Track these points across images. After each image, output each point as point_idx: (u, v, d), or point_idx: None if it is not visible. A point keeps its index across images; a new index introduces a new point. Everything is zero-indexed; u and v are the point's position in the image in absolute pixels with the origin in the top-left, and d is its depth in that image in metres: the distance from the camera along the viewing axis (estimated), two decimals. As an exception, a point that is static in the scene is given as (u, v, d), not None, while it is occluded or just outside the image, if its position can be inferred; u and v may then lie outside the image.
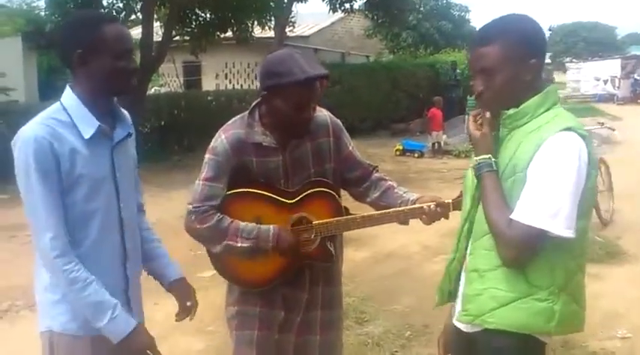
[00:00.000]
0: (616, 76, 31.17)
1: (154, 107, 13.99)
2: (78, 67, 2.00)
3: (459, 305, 2.08)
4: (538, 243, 1.83)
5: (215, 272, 2.58)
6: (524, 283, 1.88)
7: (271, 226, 2.37)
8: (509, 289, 1.89)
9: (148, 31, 12.83)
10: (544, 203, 1.79)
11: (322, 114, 2.52)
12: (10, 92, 12.67)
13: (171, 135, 13.90)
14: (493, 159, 1.94)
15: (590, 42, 53.12)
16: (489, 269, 1.93)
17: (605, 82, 30.59)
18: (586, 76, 31.87)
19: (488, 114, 1.99)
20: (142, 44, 12.70)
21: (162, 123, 14.13)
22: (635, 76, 31.95)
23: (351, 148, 2.58)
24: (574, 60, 36.22)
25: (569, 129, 1.84)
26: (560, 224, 1.79)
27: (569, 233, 1.80)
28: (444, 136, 14.94)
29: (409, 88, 19.84)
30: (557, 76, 31.94)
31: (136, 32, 12.72)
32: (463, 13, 31.02)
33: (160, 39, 13.61)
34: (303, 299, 2.53)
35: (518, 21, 1.97)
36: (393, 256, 6.50)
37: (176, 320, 2.39)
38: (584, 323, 2.00)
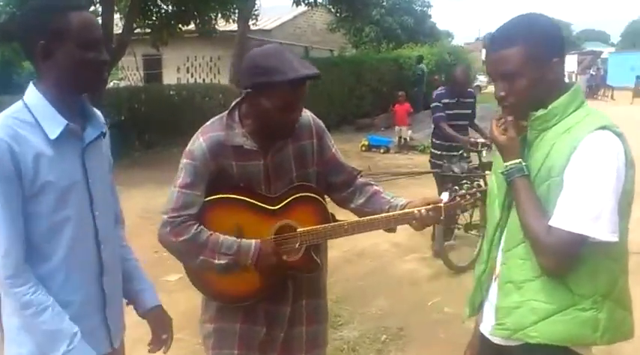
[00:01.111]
0: (573, 72, 31.78)
1: (113, 101, 13.56)
2: (42, 60, 1.78)
3: (491, 317, 1.98)
4: (580, 249, 1.74)
5: (182, 275, 2.39)
6: (565, 293, 1.80)
7: (253, 241, 2.20)
8: (550, 300, 1.81)
9: (107, 23, 12.42)
10: (585, 207, 1.70)
11: (305, 115, 2.35)
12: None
13: (132, 131, 13.50)
14: (524, 164, 1.85)
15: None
16: (527, 280, 1.85)
17: (563, 77, 31.15)
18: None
19: (511, 118, 1.89)
20: (102, 36, 12.28)
21: (122, 118, 13.74)
22: (591, 71, 32.66)
23: (334, 151, 2.43)
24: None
25: (604, 127, 1.76)
26: (603, 228, 1.70)
27: (613, 236, 1.72)
28: (409, 132, 14.90)
29: (373, 82, 19.80)
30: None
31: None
32: (425, 9, 31.21)
33: (120, 31, 13.21)
34: (286, 313, 2.37)
35: (535, 20, 1.87)
36: (364, 255, 6.39)
37: (149, 351, 2.23)
38: (633, 329, 1.91)
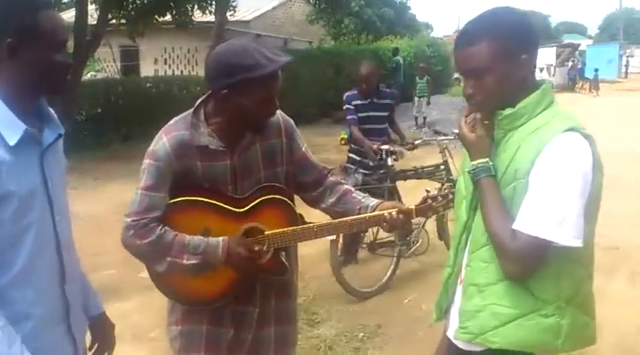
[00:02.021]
0: (551, 64, 31.94)
1: (89, 93, 13.37)
2: (4, 60, 1.67)
3: (455, 321, 1.95)
4: (544, 254, 1.69)
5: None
6: (528, 298, 1.76)
7: (220, 238, 2.14)
8: (512, 305, 1.77)
9: (82, 13, 12.23)
10: (549, 211, 1.66)
11: None
12: None
13: (108, 124, 13.33)
14: (491, 163, 1.80)
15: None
16: (489, 283, 1.80)
17: (542, 69, 31.29)
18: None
19: (478, 115, 1.85)
20: (76, 27, 12.10)
21: (99, 110, 13.56)
22: (570, 63, 32.89)
23: (304, 149, 2.37)
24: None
25: (571, 129, 1.71)
26: (567, 233, 1.66)
27: (577, 242, 1.67)
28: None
29: (352, 74, 19.64)
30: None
31: (69, 15, 12.13)
32: (404, 1, 31.20)
33: (95, 22, 13.00)
34: (254, 314, 2.31)
35: (502, 15, 1.81)
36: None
37: None
38: (595, 335, 1.88)
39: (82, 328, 1.98)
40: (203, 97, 2.19)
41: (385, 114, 5.82)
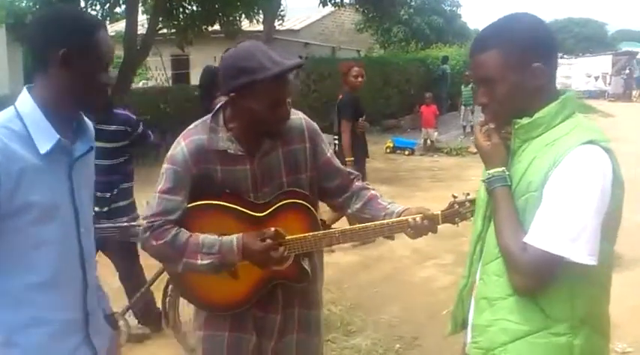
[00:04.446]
0: (607, 73, 31.08)
1: (138, 101, 13.63)
2: (56, 67, 1.69)
3: (468, 335, 1.87)
4: (555, 270, 1.60)
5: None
6: (539, 315, 1.66)
7: (234, 236, 2.10)
8: (522, 321, 1.67)
9: (132, 23, 12.51)
10: (562, 226, 1.56)
11: (297, 117, 2.25)
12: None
13: (155, 131, 13.54)
14: (507, 173, 1.72)
15: (581, 38, 53.07)
16: (500, 297, 1.71)
17: (597, 78, 30.49)
18: (577, 73, 31.77)
19: (492, 125, 1.77)
20: (126, 37, 12.38)
21: (147, 117, 13.80)
22: (627, 72, 31.92)
23: (329, 155, 2.32)
24: (565, 56, 36.14)
25: (591, 142, 1.61)
26: (581, 249, 1.55)
27: (591, 260, 1.56)
28: (436, 134, 14.68)
29: (400, 83, 19.57)
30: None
31: (121, 27, 12.43)
32: (454, 8, 30.88)
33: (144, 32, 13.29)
34: (276, 321, 2.27)
35: (514, 21, 1.74)
36: (381, 260, 6.23)
37: None
38: None
39: (102, 336, 1.96)
40: (222, 103, 2.18)
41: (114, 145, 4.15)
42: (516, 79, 1.68)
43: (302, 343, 2.33)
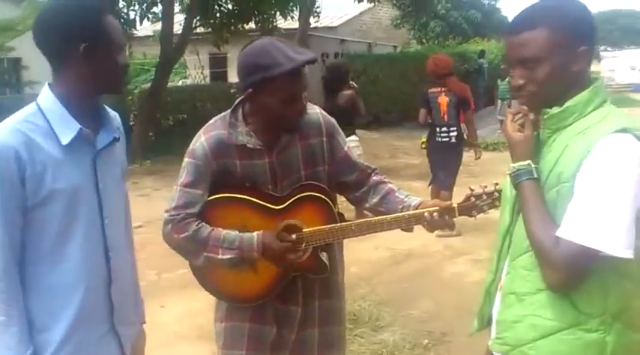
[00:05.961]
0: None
1: (176, 99, 13.84)
2: (78, 62, 1.73)
3: (493, 330, 1.84)
4: (589, 264, 1.55)
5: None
6: (571, 310, 1.61)
7: (255, 233, 2.14)
8: (554, 317, 1.63)
9: (168, 22, 12.69)
10: (597, 218, 1.51)
11: (314, 111, 2.27)
12: (35, 85, 12.62)
13: (193, 129, 13.59)
14: (534, 166, 1.67)
15: (626, 30, 51.70)
16: (530, 292, 1.67)
17: (633, 68, 29.67)
18: (621, 65, 31.01)
19: (532, 116, 1.71)
20: (162, 36, 12.57)
21: (185, 115, 13.98)
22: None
23: (346, 149, 2.33)
24: (609, 48, 35.28)
25: (624, 130, 1.55)
26: (617, 242, 1.50)
27: (627, 253, 1.51)
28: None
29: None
30: (592, 65, 30.90)
31: (159, 27, 12.63)
32: (493, 2, 30.56)
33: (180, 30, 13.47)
34: (297, 314, 2.29)
35: (564, 2, 1.68)
36: (412, 256, 6.19)
37: None
38: None
39: (130, 328, 2.00)
40: (241, 97, 2.21)
41: None
42: (560, 60, 1.63)
43: (323, 335, 2.35)
